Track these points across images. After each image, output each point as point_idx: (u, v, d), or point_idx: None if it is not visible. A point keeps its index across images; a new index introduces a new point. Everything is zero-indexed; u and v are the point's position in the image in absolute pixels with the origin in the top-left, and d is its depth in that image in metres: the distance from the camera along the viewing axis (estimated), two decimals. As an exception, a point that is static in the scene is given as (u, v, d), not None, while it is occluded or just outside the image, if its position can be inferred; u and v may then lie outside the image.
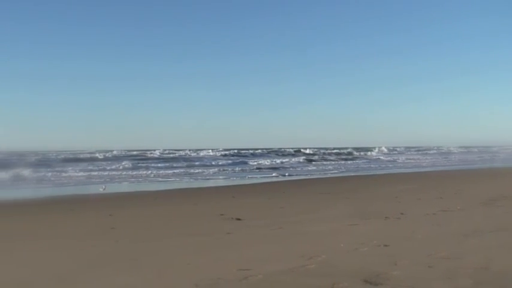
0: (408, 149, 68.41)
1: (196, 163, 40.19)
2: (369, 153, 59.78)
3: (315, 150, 59.56)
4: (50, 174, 28.49)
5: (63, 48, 76.69)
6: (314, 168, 37.42)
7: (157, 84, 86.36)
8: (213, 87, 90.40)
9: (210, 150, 51.71)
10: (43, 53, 75.97)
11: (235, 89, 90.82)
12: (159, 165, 37.10)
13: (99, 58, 79.75)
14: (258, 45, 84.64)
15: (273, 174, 29.39)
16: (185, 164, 39.22)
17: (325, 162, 44.94)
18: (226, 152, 51.69)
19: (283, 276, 5.49)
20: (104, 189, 19.63)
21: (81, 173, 29.61)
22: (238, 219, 10.42)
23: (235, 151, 54.14)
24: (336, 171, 32.93)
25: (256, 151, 56.73)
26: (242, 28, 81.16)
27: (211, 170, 33.30)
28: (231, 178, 27.30)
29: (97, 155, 45.04)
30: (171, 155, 48.05)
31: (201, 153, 49.90)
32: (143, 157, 45.32)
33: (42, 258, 6.96)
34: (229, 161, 42.77)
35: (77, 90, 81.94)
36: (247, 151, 56.09)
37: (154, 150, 51.60)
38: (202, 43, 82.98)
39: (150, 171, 31.75)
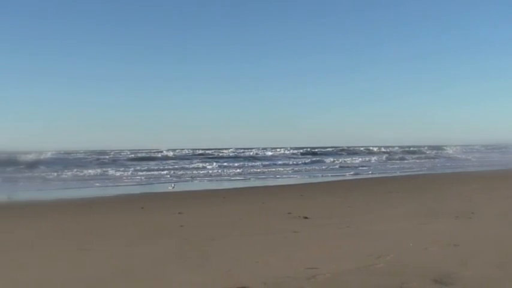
0: (485, 147, 66.18)
1: (270, 162, 40.07)
2: (443, 151, 58.35)
3: (388, 148, 58.32)
4: (121, 173, 29.20)
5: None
6: (393, 166, 36.73)
7: (231, 84, 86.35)
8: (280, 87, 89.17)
9: (282, 149, 51.46)
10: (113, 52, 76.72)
11: (300, 89, 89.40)
12: (230, 164, 37.24)
13: (171, 59, 79.79)
14: (332, 44, 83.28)
15: (351, 173, 29.10)
16: (259, 162, 39.18)
17: (401, 161, 44.02)
18: (301, 151, 51.25)
19: (351, 276, 5.46)
20: (173, 187, 19.96)
21: (151, 172, 30.22)
22: (306, 217, 10.40)
23: (308, 149, 53.51)
24: (413, 170, 32.34)
25: (327, 149, 55.98)
26: (318, 27, 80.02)
27: (288, 169, 33.22)
28: (311, 176, 27.10)
29: (167, 153, 45.73)
30: (243, 154, 48.08)
31: (271, 152, 49.62)
32: (214, 156, 45.64)
33: (115, 255, 7.15)
34: (307, 160, 42.24)
35: (146, 90, 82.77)
36: (320, 150, 55.25)
37: (227, 148, 51.71)
38: (277, 43, 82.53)
39: (220, 170, 32.07)
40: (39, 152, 38.54)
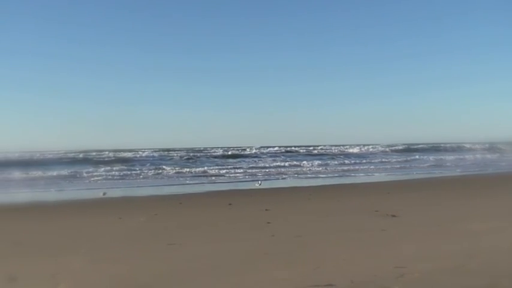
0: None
1: (357, 159, 39.54)
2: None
3: (485, 144, 55.35)
4: (210, 170, 29.70)
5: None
6: (489, 163, 35.08)
7: (303, 74, 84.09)
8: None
9: (372, 146, 50.50)
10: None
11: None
12: (315, 161, 37.02)
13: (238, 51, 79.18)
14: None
15: (443, 170, 28.27)
16: (348, 160, 38.77)
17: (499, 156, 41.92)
18: (393, 148, 50.04)
19: (441, 275, 5.36)
20: (260, 184, 20.13)
21: (239, 169, 30.58)
22: (394, 215, 10.25)
23: (402, 146, 51.92)
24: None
25: (420, 146, 53.89)
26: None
27: (376, 166, 32.71)
28: (400, 174, 26.63)
29: (256, 150, 46.01)
30: (330, 151, 47.64)
31: (361, 149, 48.80)
32: (298, 153, 45.56)
33: (203, 251, 7.30)
34: (398, 157, 40.83)
35: (237, 86, 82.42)
36: (414, 146, 53.37)
37: (317, 146, 51.27)
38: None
39: (305, 168, 32.03)
40: (135, 151, 40.30)
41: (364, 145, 50.64)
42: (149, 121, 73.94)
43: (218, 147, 47.32)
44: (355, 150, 48.42)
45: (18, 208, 14.44)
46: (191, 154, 41.69)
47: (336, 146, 51.01)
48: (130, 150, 42.75)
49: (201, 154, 42.06)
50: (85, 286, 5.50)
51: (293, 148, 48.04)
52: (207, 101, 79.55)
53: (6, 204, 15.48)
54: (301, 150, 47.14)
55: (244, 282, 5.52)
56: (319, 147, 49.79)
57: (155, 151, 42.84)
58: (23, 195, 18.05)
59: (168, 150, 44.39)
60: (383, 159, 39.40)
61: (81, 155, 39.33)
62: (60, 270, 6.11)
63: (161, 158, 38.89)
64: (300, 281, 5.44)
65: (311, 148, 49.26)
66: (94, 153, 40.38)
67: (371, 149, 48.77)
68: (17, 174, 25.92)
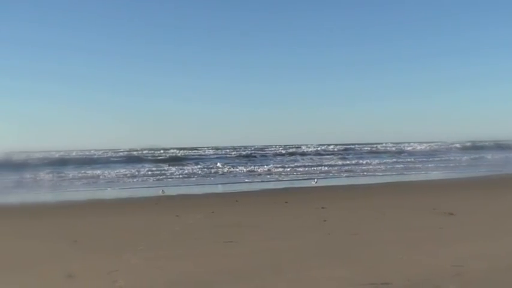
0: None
1: (417, 157, 38.66)
2: None
3: None
4: (265, 168, 29.73)
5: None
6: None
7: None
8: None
9: (434, 144, 49.21)
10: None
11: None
12: (374, 159, 36.37)
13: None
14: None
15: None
16: (413, 158, 37.94)
17: None
18: (457, 145, 48.46)
19: (498, 275, 5.26)
20: (316, 182, 20.06)
21: (295, 167, 30.53)
22: (451, 214, 10.05)
23: (468, 143, 50.04)
24: None
25: (486, 143, 51.82)
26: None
27: (436, 164, 32.03)
28: (458, 172, 26.02)
29: (312, 149, 45.75)
30: (388, 148, 46.79)
31: (420, 146, 47.58)
32: (355, 150, 45.03)
33: (260, 249, 7.34)
34: (462, 155, 39.60)
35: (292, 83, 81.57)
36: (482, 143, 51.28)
37: (379, 143, 50.38)
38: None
39: (363, 165, 31.69)
40: (196, 149, 40.86)
41: (428, 142, 49.35)
42: (208, 119, 74.38)
43: (276, 145, 47.30)
44: (419, 147, 47.28)
45: (77, 206, 14.83)
46: (248, 152, 41.88)
47: (398, 143, 49.99)
48: (191, 149, 43.38)
49: (259, 152, 42.15)
50: (142, 283, 5.59)
51: (352, 146, 47.52)
52: (263, 99, 79.29)
53: (65, 202, 15.93)
54: (360, 148, 46.58)
55: (301, 280, 5.52)
56: (380, 145, 48.99)
57: (213, 149, 43.33)
58: (81, 193, 18.51)
59: (226, 148, 44.71)
60: (446, 157, 38.45)
61: (136, 153, 40.20)
62: (117, 267, 6.24)
63: (218, 156, 39.21)
64: (356, 279, 5.40)
65: (371, 146, 48.48)
66: (152, 152, 41.14)
67: (435, 146, 47.56)
68: (75, 172, 26.57)
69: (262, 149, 45.66)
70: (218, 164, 30.82)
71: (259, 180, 23.46)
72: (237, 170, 29.12)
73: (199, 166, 30.65)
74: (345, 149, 45.46)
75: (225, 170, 29.18)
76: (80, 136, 67.23)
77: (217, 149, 44.09)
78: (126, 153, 40.90)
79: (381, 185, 19.67)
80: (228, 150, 42.97)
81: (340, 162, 34.58)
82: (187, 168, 29.05)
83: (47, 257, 7.15)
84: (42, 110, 69.69)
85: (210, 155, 40.10)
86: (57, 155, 38.37)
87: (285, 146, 47.39)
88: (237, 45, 73.87)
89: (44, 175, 25.16)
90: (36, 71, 69.87)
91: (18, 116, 67.02)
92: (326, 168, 30.16)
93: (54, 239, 8.59)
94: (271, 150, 43.85)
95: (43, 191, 19.62)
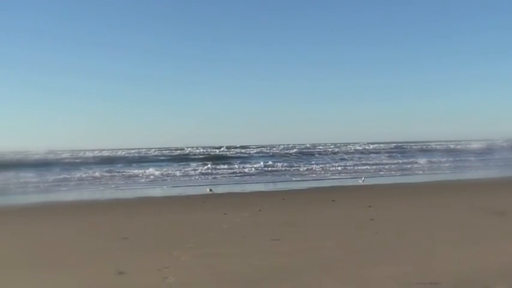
0: None
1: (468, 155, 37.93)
2: None
3: None
4: (310, 166, 29.67)
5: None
6: None
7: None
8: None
9: (490, 141, 47.91)
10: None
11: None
12: (424, 158, 35.73)
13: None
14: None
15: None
16: (463, 156, 37.17)
17: None
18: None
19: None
20: (363, 180, 19.93)
21: (343, 165, 30.40)
22: (502, 213, 9.87)
23: None
24: None
25: None
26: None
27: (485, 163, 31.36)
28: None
29: (360, 147, 45.37)
30: (441, 146, 45.85)
31: (476, 144, 46.32)
32: (405, 149, 44.35)
33: (306, 247, 7.36)
34: None
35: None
36: None
37: (427, 141, 49.49)
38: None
39: (412, 164, 31.30)
40: (246, 147, 41.15)
41: (479, 140, 48.07)
42: (257, 118, 74.55)
43: (324, 144, 47.10)
44: (471, 145, 46.11)
45: (128, 204, 15.10)
46: (296, 150, 41.85)
47: (449, 141, 48.96)
48: (243, 147, 43.62)
49: (307, 150, 42.04)
50: (192, 280, 5.67)
51: (402, 144, 46.89)
52: (310, 96, 78.84)
53: (117, 200, 16.24)
54: (410, 146, 45.92)
55: (348, 278, 5.53)
56: (431, 143, 48.13)
57: (260, 147, 43.50)
58: (132, 192, 18.83)
59: (273, 146, 44.75)
60: (498, 155, 37.52)
61: (186, 151, 40.76)
62: (167, 264, 6.35)
63: (265, 154, 39.28)
64: (405, 278, 5.38)
65: (422, 144, 47.64)
66: (201, 150, 41.63)
67: (486, 145, 46.30)
68: (126, 170, 27.01)
69: (309, 147, 45.53)
70: (261, 163, 30.82)
71: (306, 178, 23.45)
72: (284, 168, 29.14)
73: (246, 164, 30.76)
74: (395, 147, 44.90)
75: (272, 168, 29.23)
76: (134, 135, 68.90)
77: (264, 147, 44.19)
78: (178, 151, 41.55)
79: (429, 184, 19.43)
80: (275, 149, 42.99)
81: (388, 161, 34.23)
82: (234, 167, 29.19)
83: (99, 254, 7.31)
84: (104, 109, 71.91)
85: (257, 153, 40.24)
86: (109, 153, 39.23)
87: (335, 144, 47.15)
88: (284, 41, 74.00)
89: (97, 173, 25.66)
90: (102, 71, 71.98)
91: (86, 115, 69.47)
92: (374, 166, 29.93)
93: (107, 236, 8.79)
94: (319, 149, 43.68)
95: (96, 189, 20.04)
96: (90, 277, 5.96)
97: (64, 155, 36.80)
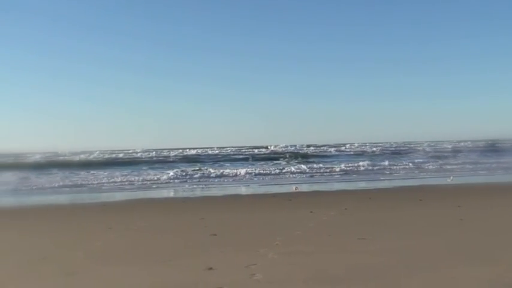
0: None
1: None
2: None
3: None
4: (399, 165, 29.21)
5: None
6: None
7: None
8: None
9: None
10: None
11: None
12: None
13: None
14: None
15: None
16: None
17: None
18: None
19: None
20: (451, 179, 19.50)
21: (430, 164, 29.75)
22: None
23: None
24: None
25: None
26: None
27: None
28: None
29: (451, 146, 44.11)
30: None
31: None
32: (498, 147, 42.71)
33: (394, 246, 7.32)
34: None
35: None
36: None
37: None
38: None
39: (503, 164, 30.22)
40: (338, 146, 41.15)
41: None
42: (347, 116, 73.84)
43: (415, 142, 46.16)
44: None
45: (216, 201, 15.43)
46: (384, 148, 41.37)
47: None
48: (336, 145, 43.58)
49: (397, 149, 41.37)
50: (279, 277, 5.76)
51: (495, 141, 45.20)
52: (406, 92, 76.97)
53: (205, 197, 16.64)
54: (502, 143, 44.15)
55: (437, 279, 5.48)
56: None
57: (342, 145, 43.31)
58: (219, 190, 19.19)
59: (364, 145, 44.34)
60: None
61: (273, 149, 41.07)
62: (255, 261, 6.47)
63: (348, 153, 39.06)
64: (493, 279, 5.29)
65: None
66: (286, 148, 41.88)
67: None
68: (212, 169, 27.47)
69: (399, 145, 44.75)
70: (345, 162, 30.53)
71: (392, 177, 23.19)
72: (370, 167, 28.82)
73: (328, 163, 30.64)
74: (489, 145, 43.33)
75: (356, 166, 28.92)
76: (216, 134, 69.95)
77: (344, 145, 43.92)
78: (265, 150, 42.00)
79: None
80: (357, 148, 42.60)
81: (480, 159, 33.15)
82: (319, 166, 29.11)
83: (189, 250, 7.54)
84: (181, 109, 73.49)
85: (339, 151, 40.11)
86: (194, 152, 40.17)
87: (428, 142, 46.08)
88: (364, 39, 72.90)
89: (182, 171, 26.28)
90: (177, 71, 73.48)
91: (165, 115, 71.40)
92: (464, 165, 29.16)
93: (196, 233, 9.05)
94: (408, 147, 42.86)
95: (186, 187, 20.58)
96: (181, 272, 6.17)
97: (151, 154, 38.15)
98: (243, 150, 42.27)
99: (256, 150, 41.63)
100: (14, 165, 29.59)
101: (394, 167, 28.27)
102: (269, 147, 43.47)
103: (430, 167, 28.48)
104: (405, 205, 12.42)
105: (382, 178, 22.78)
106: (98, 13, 64.93)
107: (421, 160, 31.98)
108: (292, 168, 27.42)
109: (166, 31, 68.94)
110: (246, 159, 35.56)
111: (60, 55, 67.62)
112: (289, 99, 76.78)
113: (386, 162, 29.69)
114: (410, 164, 29.26)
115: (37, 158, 35.24)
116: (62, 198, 17.28)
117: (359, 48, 72.55)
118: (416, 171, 26.11)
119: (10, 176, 23.73)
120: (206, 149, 42.03)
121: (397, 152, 39.33)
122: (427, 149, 40.67)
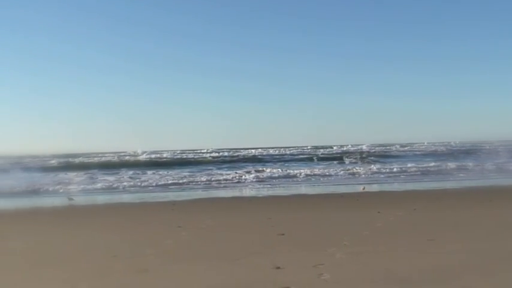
0: None
1: None
2: None
3: None
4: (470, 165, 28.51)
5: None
6: None
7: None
8: None
9: None
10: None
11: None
12: None
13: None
14: None
15: None
16: None
17: None
18: None
19: None
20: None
21: (500, 164, 28.94)
22: None
23: None
24: None
25: None
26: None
27: None
28: None
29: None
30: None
31: None
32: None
33: (465, 247, 7.19)
34: None
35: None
36: None
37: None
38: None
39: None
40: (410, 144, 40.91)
41: None
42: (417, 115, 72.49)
43: (486, 142, 44.86)
44: None
45: (283, 201, 15.50)
46: (453, 147, 40.55)
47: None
48: (404, 145, 43.23)
49: (467, 148, 40.43)
50: (346, 277, 5.77)
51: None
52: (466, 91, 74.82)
53: (271, 197, 16.75)
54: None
55: (508, 283, 5.37)
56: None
57: (409, 145, 42.71)
58: (282, 189, 19.26)
59: (436, 144, 43.56)
60: None
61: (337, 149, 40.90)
62: (323, 261, 6.49)
63: (412, 153, 38.50)
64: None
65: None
66: (349, 147, 41.69)
67: None
68: (274, 169, 27.55)
69: (469, 144, 43.65)
70: (410, 161, 30.00)
71: (462, 177, 22.72)
72: (437, 168, 28.21)
73: (400, 163, 30.22)
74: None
75: (422, 166, 28.34)
76: (281, 135, 70.12)
77: (409, 145, 43.32)
78: (330, 149, 41.89)
79: None
80: (432, 147, 41.87)
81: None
82: (384, 166, 28.74)
83: (256, 249, 7.61)
84: (248, 109, 74.13)
85: (403, 151, 39.60)
86: (259, 151, 40.37)
87: (500, 142, 44.73)
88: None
89: (248, 171, 26.50)
90: (234, 70, 74.28)
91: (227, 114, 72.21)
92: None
93: (263, 232, 9.12)
94: (480, 146, 41.70)
95: (250, 187, 20.77)
96: (249, 270, 6.26)
97: (218, 154, 38.62)
98: (307, 150, 42.26)
99: (321, 150, 41.53)
100: (84, 165, 30.65)
101: (464, 167, 27.64)
102: (333, 147, 43.32)
103: (501, 167, 27.67)
104: (475, 206, 12.16)
105: (450, 178, 22.31)
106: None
107: (491, 160, 31.12)
108: (359, 168, 27.20)
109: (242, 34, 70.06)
110: (310, 159, 35.53)
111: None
112: (357, 98, 76.09)
113: (456, 162, 29.09)
114: (480, 164, 28.55)
115: (107, 158, 36.36)
116: (131, 197, 17.70)
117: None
118: (485, 172, 25.43)
119: (81, 176, 24.52)
120: (270, 149, 42.20)
121: (466, 152, 38.39)
122: (499, 149, 39.45)
